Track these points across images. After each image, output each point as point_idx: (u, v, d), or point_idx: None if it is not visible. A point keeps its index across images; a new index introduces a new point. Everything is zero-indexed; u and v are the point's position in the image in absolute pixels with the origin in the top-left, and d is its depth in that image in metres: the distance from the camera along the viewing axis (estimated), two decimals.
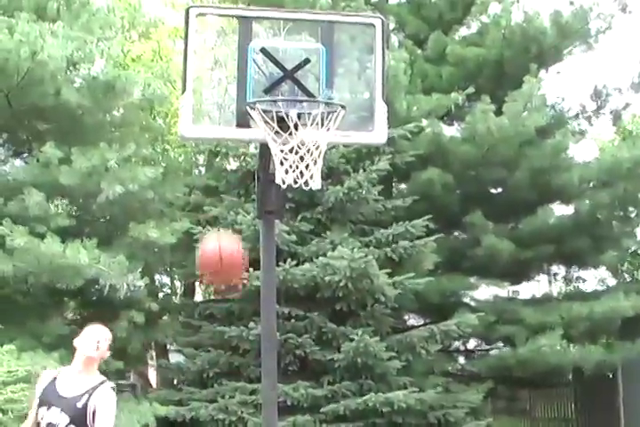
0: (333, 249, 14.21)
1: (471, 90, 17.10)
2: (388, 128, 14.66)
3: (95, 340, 5.53)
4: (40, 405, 5.35)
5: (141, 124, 15.03)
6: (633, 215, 19.62)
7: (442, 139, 17.18)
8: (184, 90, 6.59)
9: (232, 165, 17.06)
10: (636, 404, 19.69)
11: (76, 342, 5.60)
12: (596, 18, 18.65)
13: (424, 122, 17.00)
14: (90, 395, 5.39)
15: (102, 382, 5.51)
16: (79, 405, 5.35)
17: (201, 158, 18.56)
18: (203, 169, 18.35)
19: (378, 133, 6.72)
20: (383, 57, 6.81)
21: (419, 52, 18.73)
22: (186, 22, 6.65)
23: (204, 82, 7.41)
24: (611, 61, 28.59)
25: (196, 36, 6.72)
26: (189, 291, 19.05)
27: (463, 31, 20.00)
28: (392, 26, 19.25)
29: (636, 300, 16.97)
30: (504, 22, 18.50)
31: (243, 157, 15.95)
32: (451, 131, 18.84)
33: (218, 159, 17.09)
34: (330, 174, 14.97)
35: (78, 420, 5.31)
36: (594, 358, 16.98)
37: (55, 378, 5.43)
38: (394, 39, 19.52)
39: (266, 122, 6.06)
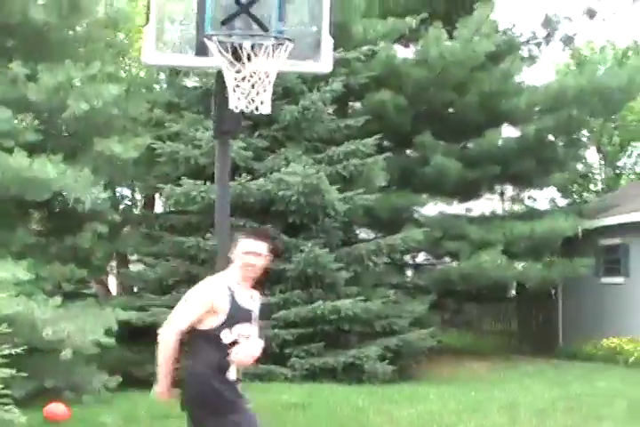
0: (287, 165, 14.84)
1: (425, 15, 17.56)
2: (344, 50, 15.14)
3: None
4: (233, 322, 5.40)
5: (105, 40, 15.24)
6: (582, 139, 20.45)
7: (395, 61, 17.73)
8: (147, 19, 7.14)
9: (193, 82, 17.44)
10: (573, 319, 20.76)
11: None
12: None
13: (380, 44, 17.50)
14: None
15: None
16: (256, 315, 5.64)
17: (162, 75, 18.84)
18: (164, 85, 18.62)
19: (324, 63, 7.32)
20: None
21: None
22: None
23: (166, 10, 7.85)
24: None
25: None
26: (149, 203, 19.52)
27: None
28: None
29: (573, 221, 17.83)
30: None
31: (203, 75, 16.32)
32: (405, 53, 19.37)
33: (179, 76, 17.43)
34: (286, 94, 15.50)
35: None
36: (535, 274, 17.89)
37: (233, 293, 5.47)
38: None
39: (221, 52, 6.64)
